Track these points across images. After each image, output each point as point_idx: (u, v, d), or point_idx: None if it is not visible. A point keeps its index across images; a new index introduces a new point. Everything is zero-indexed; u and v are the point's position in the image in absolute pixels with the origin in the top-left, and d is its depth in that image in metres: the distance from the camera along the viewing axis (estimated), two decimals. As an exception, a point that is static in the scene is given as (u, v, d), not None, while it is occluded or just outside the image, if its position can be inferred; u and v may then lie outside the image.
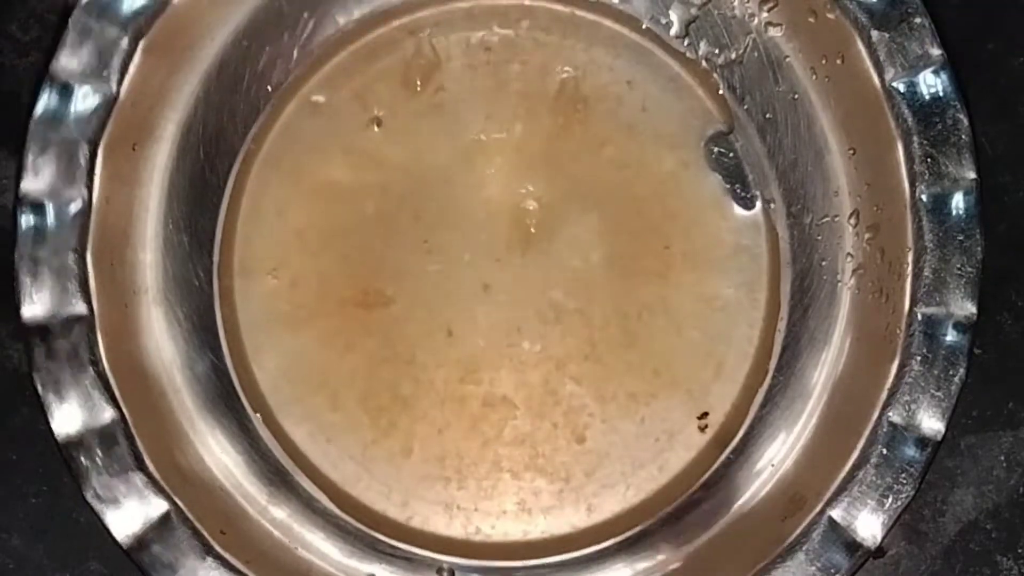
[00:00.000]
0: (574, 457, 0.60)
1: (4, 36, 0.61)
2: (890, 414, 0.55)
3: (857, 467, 0.55)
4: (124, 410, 0.55)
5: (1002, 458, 0.59)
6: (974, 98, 0.56)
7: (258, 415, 0.60)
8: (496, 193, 0.61)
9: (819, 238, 0.60)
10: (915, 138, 0.56)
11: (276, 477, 0.60)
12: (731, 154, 0.62)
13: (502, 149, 0.62)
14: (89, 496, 0.54)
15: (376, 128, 0.61)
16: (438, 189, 0.61)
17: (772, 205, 0.62)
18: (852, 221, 0.60)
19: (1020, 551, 0.58)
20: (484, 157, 0.62)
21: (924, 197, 0.56)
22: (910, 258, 0.56)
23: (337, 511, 0.60)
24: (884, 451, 0.55)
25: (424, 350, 0.61)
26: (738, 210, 0.62)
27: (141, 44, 0.56)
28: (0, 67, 0.61)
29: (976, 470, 0.59)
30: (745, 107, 0.62)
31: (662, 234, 0.61)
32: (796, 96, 0.60)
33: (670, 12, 0.62)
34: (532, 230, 0.61)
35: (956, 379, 0.55)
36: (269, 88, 0.61)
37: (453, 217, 0.61)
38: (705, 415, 0.60)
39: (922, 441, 0.55)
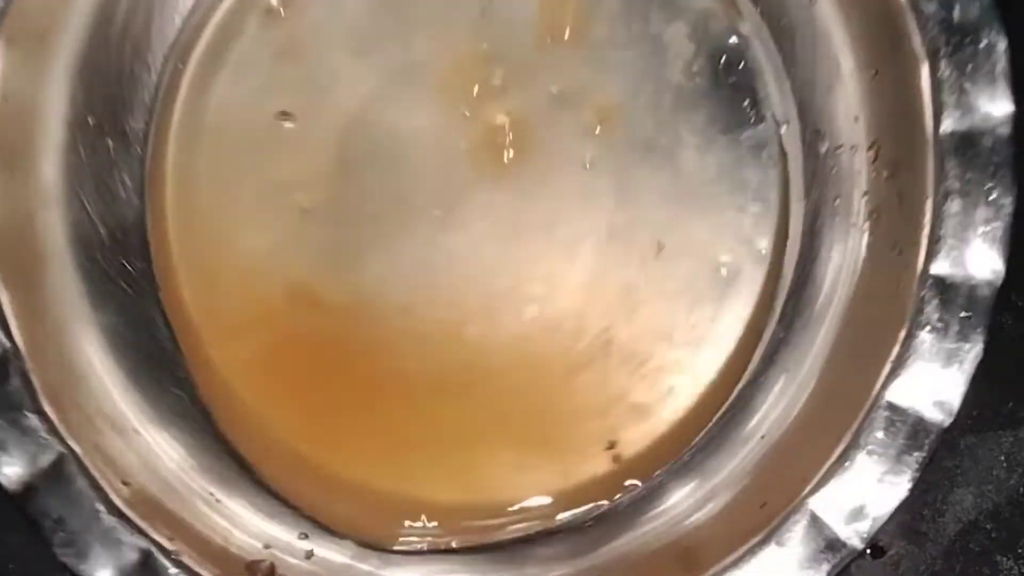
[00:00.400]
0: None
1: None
2: (890, 393, 0.47)
3: (848, 453, 0.47)
4: (18, 340, 0.49)
5: (1002, 458, 0.56)
6: None
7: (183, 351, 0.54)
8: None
9: (834, 171, 0.52)
10: (942, 61, 0.47)
11: (202, 428, 0.54)
12: (742, 64, 0.53)
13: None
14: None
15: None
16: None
17: (785, 127, 0.53)
18: (871, 154, 0.51)
19: (1020, 551, 0.55)
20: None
21: (949, 133, 0.47)
22: (928, 206, 0.47)
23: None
24: (880, 435, 0.47)
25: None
26: (747, 131, 0.54)
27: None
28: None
29: (976, 470, 0.55)
30: (759, 10, 0.53)
31: (663, 154, 0.54)
32: (813, 2, 0.51)
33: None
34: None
35: (971, 355, 0.46)
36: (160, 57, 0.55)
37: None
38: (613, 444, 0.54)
39: (924, 428, 0.47)
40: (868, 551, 0.53)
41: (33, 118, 0.51)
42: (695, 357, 0.54)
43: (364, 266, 0.54)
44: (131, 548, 0.48)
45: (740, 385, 0.54)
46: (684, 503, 0.52)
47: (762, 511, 0.49)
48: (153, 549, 0.49)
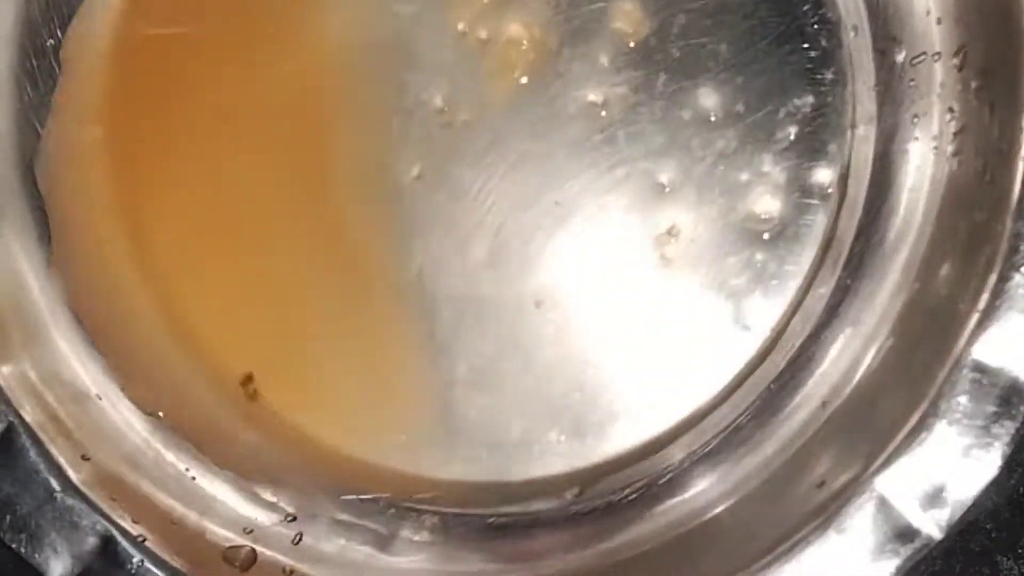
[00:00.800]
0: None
1: None
2: (977, 350, 0.39)
3: (925, 422, 0.39)
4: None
5: None
6: None
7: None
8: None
9: (913, 83, 0.44)
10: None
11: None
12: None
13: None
14: None
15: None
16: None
17: (854, 34, 0.45)
18: (957, 62, 0.43)
19: (1020, 551, 0.54)
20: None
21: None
22: (1025, 123, 0.39)
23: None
24: (963, 401, 0.39)
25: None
26: (807, 41, 0.46)
27: None
28: None
29: None
30: None
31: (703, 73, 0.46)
32: None
33: None
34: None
35: (1077, 307, 0.38)
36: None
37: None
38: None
39: (1019, 391, 0.39)
40: None
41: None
42: (745, 310, 0.46)
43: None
44: (90, 532, 0.43)
45: (798, 341, 0.46)
46: (727, 480, 0.45)
47: (820, 491, 0.41)
48: (115, 533, 0.43)
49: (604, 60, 0.47)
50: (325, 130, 0.48)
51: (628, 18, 0.47)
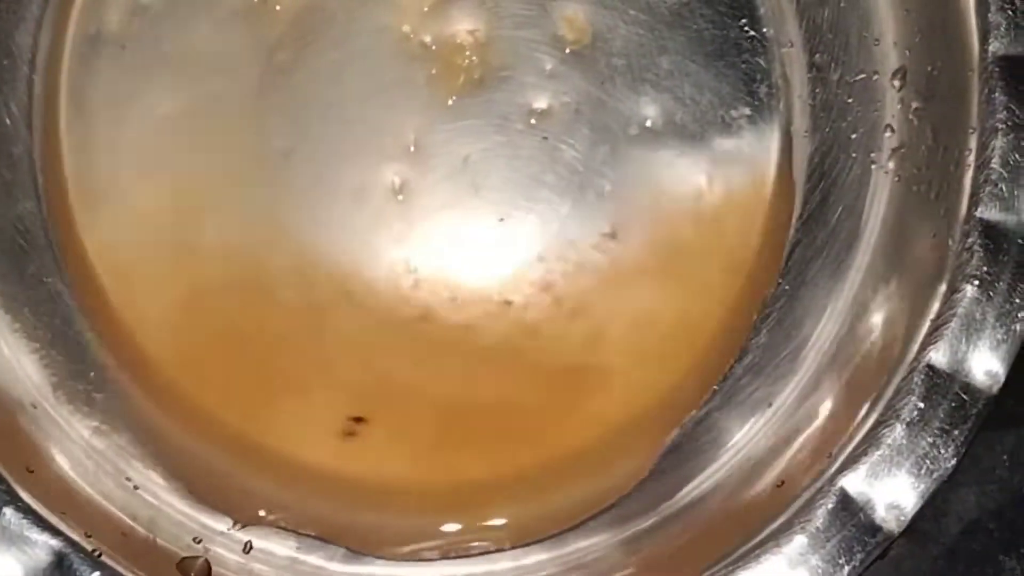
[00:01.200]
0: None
1: None
2: (932, 354, 0.41)
3: (883, 423, 0.41)
4: None
5: (1005, 457, 0.54)
6: None
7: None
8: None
9: (849, 100, 0.47)
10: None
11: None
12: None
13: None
14: None
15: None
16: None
17: (789, 48, 0.47)
18: (896, 82, 0.45)
19: (1023, 551, 0.54)
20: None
21: (999, 57, 0.41)
22: (973, 142, 0.41)
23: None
24: (920, 404, 0.41)
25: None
26: (744, 55, 0.48)
27: None
28: None
29: (978, 469, 0.54)
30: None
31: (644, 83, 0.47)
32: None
33: None
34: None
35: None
36: None
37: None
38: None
39: (972, 393, 0.41)
40: None
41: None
42: (686, 319, 0.48)
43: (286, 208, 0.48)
44: (42, 548, 0.41)
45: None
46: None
47: (780, 491, 0.43)
48: (68, 550, 0.41)
49: (547, 67, 0.48)
50: (261, 127, 0.48)
51: (571, 25, 0.48)
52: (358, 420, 0.47)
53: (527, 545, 0.46)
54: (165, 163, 0.47)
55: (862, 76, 0.46)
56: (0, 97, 0.47)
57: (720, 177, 0.47)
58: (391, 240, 0.47)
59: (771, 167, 0.47)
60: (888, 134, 0.45)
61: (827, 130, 0.47)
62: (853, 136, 0.46)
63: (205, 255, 0.47)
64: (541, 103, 0.47)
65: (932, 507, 0.48)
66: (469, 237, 0.47)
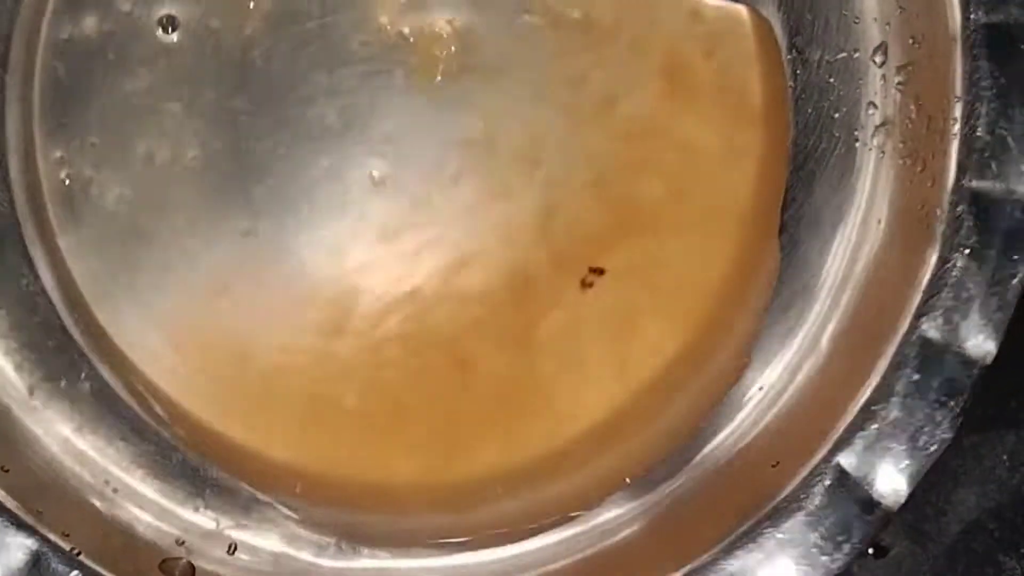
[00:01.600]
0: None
1: None
2: (924, 326, 0.41)
3: (878, 398, 0.41)
4: None
5: (1005, 457, 0.55)
6: None
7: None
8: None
9: (831, 80, 0.46)
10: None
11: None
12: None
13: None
14: None
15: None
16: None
17: (768, 31, 0.47)
18: (878, 58, 0.45)
19: (1023, 551, 0.54)
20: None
21: (980, 27, 0.41)
22: (958, 111, 0.41)
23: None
24: (915, 376, 0.41)
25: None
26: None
27: None
28: None
29: (979, 469, 0.55)
30: None
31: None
32: None
33: None
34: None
35: (1016, 280, 0.40)
36: None
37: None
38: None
39: (966, 363, 0.41)
40: (871, 550, 0.52)
41: None
42: (672, 302, 0.47)
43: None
44: (18, 549, 0.40)
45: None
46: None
47: (776, 471, 0.42)
48: (45, 549, 0.40)
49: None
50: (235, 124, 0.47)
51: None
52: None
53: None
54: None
55: (843, 55, 0.45)
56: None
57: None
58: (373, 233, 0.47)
59: (756, 147, 0.46)
60: (871, 111, 0.45)
61: (809, 111, 0.46)
62: (836, 116, 0.46)
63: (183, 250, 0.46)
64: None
65: (933, 507, 0.54)
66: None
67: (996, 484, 0.54)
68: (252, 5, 0.46)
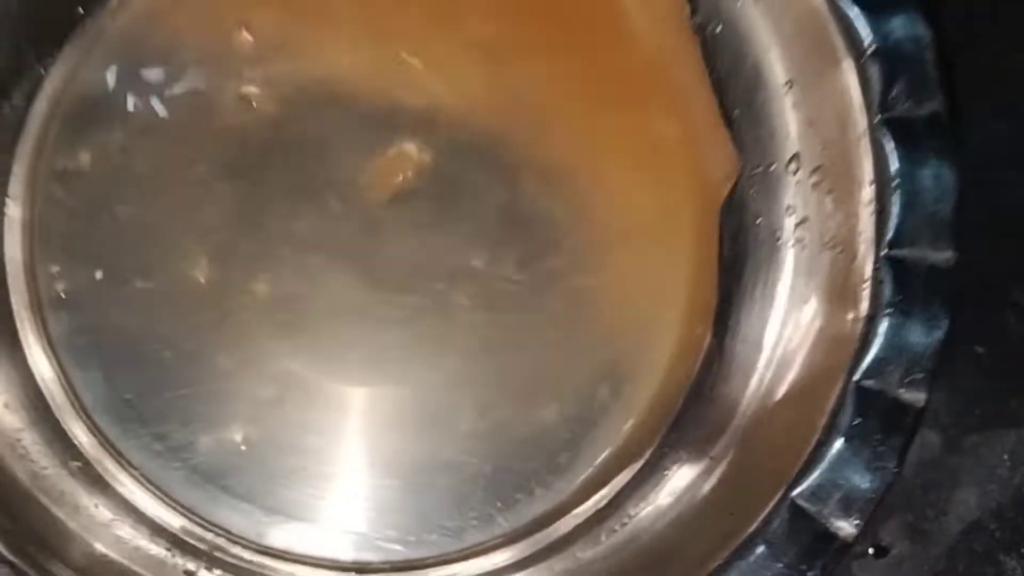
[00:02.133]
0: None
1: None
2: (861, 378, 0.45)
3: (824, 442, 0.45)
4: None
5: (1005, 457, 0.55)
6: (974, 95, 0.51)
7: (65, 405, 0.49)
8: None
9: (752, 193, 0.51)
10: (869, 55, 0.47)
11: (87, 477, 0.49)
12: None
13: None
14: None
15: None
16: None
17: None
18: (792, 166, 0.50)
19: None
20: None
21: (883, 124, 0.46)
22: (870, 197, 0.47)
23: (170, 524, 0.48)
24: (858, 421, 0.45)
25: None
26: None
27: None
28: None
29: (979, 469, 0.55)
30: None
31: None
32: (720, 28, 0.51)
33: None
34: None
35: (937, 332, 0.45)
36: (80, 9, 0.50)
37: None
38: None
39: (902, 406, 0.45)
40: (871, 550, 0.52)
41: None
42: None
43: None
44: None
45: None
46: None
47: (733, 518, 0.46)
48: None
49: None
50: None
51: None
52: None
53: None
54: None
55: (759, 169, 0.51)
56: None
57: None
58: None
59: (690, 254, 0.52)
60: (790, 212, 0.50)
61: (734, 223, 0.51)
62: (758, 222, 0.51)
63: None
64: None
65: (933, 507, 0.54)
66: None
67: (996, 484, 0.55)
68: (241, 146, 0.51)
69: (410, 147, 0.51)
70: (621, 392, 0.51)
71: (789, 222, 0.50)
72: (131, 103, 0.50)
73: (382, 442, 0.50)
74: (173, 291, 0.49)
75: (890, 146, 0.46)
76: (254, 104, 0.50)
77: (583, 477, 0.51)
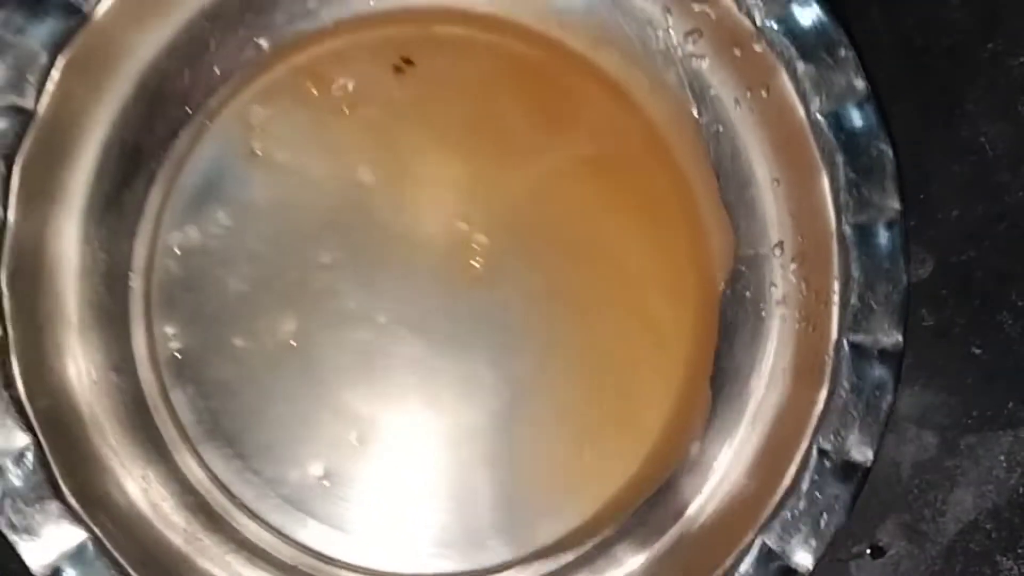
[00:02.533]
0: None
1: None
2: (820, 441, 0.55)
3: (789, 493, 0.55)
4: (40, 436, 0.53)
5: (1002, 458, 0.59)
6: (975, 97, 0.57)
7: (178, 444, 0.59)
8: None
9: (743, 268, 0.61)
10: (840, 168, 0.56)
11: (198, 507, 0.58)
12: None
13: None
14: (2, 524, 0.52)
15: (296, 150, 0.60)
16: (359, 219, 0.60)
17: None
18: (776, 252, 0.60)
19: (1020, 551, 0.58)
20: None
21: (849, 227, 0.56)
22: (836, 287, 0.56)
23: (265, 545, 0.58)
24: (815, 478, 0.55)
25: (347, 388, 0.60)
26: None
27: (60, 61, 0.54)
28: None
29: (976, 470, 0.58)
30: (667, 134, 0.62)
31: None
32: (721, 128, 0.60)
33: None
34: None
35: (884, 405, 0.55)
36: (188, 109, 0.59)
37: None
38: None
39: (852, 465, 0.55)
40: (868, 550, 0.56)
41: (44, 237, 0.56)
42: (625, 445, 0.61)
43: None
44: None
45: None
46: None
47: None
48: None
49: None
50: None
51: None
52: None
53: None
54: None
55: (751, 251, 0.60)
56: (108, 283, 0.58)
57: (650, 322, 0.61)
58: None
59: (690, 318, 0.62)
60: (773, 289, 0.60)
61: (728, 292, 0.61)
62: (747, 295, 0.60)
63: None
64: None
65: (930, 507, 0.58)
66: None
67: (993, 485, 0.57)
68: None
69: (481, 238, 0.61)
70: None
71: (772, 298, 0.60)
72: (232, 187, 0.60)
73: (448, 473, 0.60)
74: (266, 348, 0.59)
75: (853, 249, 0.56)
76: (345, 186, 0.60)
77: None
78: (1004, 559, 0.57)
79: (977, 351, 0.59)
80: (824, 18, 0.56)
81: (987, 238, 0.58)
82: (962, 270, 0.61)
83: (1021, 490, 0.57)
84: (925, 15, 0.60)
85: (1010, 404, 0.59)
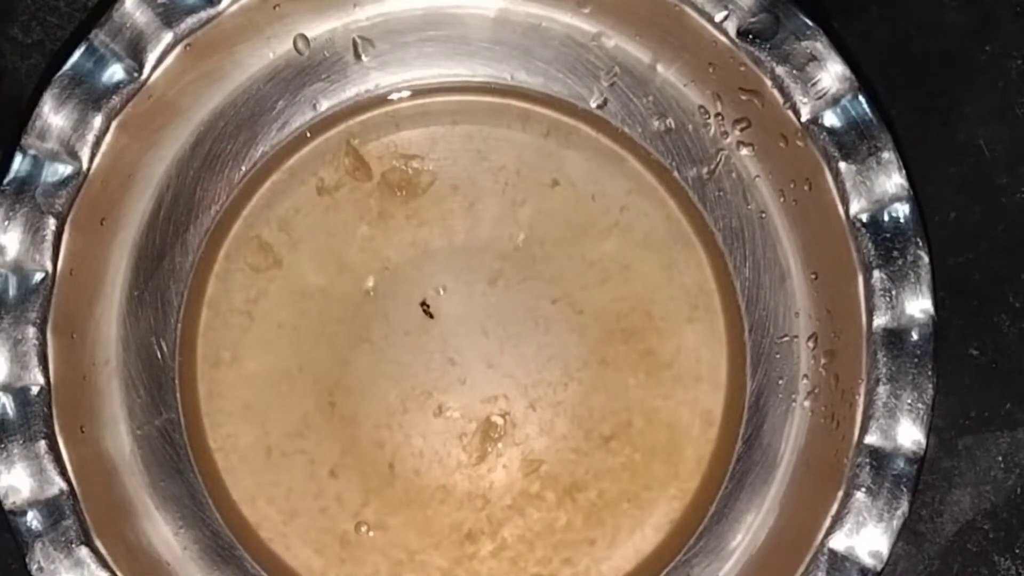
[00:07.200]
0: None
1: (5, 38, 0.62)
2: (831, 542, 0.55)
3: (795, 589, 0.56)
4: (74, 483, 0.55)
5: (1000, 459, 0.59)
6: (972, 99, 0.58)
7: (211, 494, 0.61)
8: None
9: (777, 356, 0.61)
10: (875, 271, 0.56)
11: (227, 556, 0.60)
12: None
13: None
14: (33, 568, 0.54)
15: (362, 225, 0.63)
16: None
17: (733, 318, 0.63)
18: (810, 344, 0.60)
19: (1018, 551, 0.58)
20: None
21: (880, 330, 0.56)
22: (862, 389, 0.56)
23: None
24: (821, 576, 0.56)
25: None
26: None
27: (115, 122, 0.56)
28: (2, 70, 0.62)
29: (974, 471, 0.59)
30: (713, 219, 0.62)
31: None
32: (764, 216, 0.61)
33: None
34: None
35: (899, 513, 0.55)
36: (243, 169, 0.61)
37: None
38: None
39: (861, 571, 0.55)
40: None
41: (92, 290, 0.58)
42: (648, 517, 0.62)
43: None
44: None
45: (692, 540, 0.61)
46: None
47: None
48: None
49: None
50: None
51: None
52: None
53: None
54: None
55: (785, 338, 0.61)
56: (155, 337, 0.61)
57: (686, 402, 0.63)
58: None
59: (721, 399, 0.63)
60: (804, 381, 0.60)
61: (762, 375, 0.61)
62: (780, 382, 0.61)
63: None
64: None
65: (928, 508, 0.59)
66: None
67: (991, 485, 0.57)
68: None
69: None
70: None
71: (803, 388, 0.60)
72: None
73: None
74: (301, 418, 0.62)
75: (881, 353, 0.56)
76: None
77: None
78: (1002, 559, 0.57)
79: (974, 352, 0.59)
80: (869, 116, 0.56)
81: (984, 240, 0.58)
82: (959, 272, 0.61)
83: (1018, 491, 0.57)
84: (923, 18, 0.60)
85: (1007, 405, 0.59)
